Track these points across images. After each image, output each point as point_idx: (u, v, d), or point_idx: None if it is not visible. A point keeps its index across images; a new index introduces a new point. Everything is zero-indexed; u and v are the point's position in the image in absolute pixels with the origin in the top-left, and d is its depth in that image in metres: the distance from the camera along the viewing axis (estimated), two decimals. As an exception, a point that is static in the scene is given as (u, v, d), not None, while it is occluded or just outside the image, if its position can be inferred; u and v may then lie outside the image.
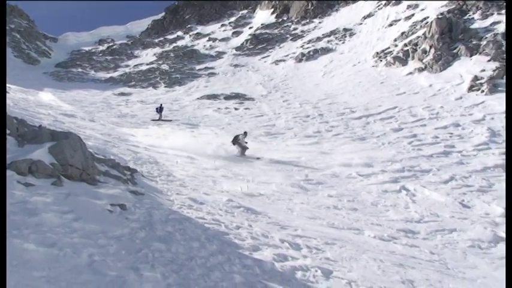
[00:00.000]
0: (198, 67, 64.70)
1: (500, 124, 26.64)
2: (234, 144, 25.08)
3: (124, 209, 9.30)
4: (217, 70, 60.12)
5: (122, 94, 54.59)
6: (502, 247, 13.12)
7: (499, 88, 31.95)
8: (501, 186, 18.77)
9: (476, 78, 33.99)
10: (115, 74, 71.77)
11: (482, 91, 32.14)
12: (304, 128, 30.04)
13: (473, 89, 32.94)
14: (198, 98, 45.63)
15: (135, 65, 76.92)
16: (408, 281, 9.10)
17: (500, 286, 10.08)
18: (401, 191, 18.33)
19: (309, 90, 42.70)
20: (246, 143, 25.21)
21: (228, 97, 44.29)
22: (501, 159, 21.59)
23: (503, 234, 14.00)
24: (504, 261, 12.15)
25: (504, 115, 27.98)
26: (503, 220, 15.40)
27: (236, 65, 60.18)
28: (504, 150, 22.92)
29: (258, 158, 23.63)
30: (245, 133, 25.94)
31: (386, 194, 18.11)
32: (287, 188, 18.17)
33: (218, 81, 54.15)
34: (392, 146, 25.03)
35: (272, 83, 48.68)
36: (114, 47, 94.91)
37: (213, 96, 45.26)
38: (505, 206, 9.18)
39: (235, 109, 38.37)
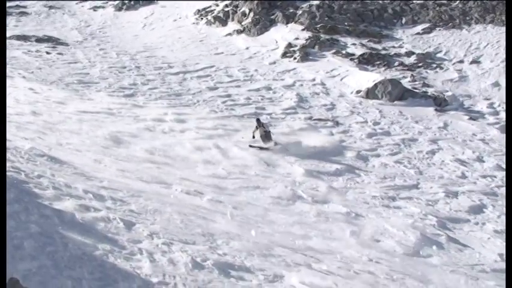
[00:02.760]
0: (8, 4, 59.85)
1: (308, 91, 28.17)
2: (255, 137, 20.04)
3: None
4: (30, 10, 55.97)
5: None
6: (299, 205, 14.02)
7: (310, 57, 33.63)
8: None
9: (290, 45, 35.44)
10: None
11: (295, 58, 33.63)
12: (120, 80, 29.24)
13: (287, 55, 34.34)
14: (6, 38, 42.37)
15: None
16: (209, 234, 9.37)
17: (293, 240, 10.78)
18: (212, 148, 18.70)
19: (127, 41, 41.52)
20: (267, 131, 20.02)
21: (40, 40, 41.43)
22: (306, 124, 22.94)
23: (302, 194, 14.96)
24: (301, 217, 13.00)
25: (312, 83, 29.63)
26: (303, 179, 16.47)
27: (51, 7, 56.50)
28: (309, 115, 24.38)
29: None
30: (257, 120, 20.67)
31: (198, 150, 18.36)
32: (97, 139, 17.67)
33: (30, 22, 50.47)
34: (207, 104, 25.35)
35: (89, 30, 46.53)
36: None
37: (23, 38, 42.08)
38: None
39: (47, 53, 36.12)
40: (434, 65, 31.26)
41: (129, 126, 20.14)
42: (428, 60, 31.91)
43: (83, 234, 7.47)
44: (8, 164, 10.41)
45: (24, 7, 55.89)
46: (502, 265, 11.51)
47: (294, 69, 31.92)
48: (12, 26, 47.43)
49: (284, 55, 34.45)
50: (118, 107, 23.13)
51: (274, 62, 33.54)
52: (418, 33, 35.69)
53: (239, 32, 40.53)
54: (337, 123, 23.37)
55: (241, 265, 7.99)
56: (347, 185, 16.57)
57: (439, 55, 32.48)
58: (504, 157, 19.95)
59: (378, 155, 19.91)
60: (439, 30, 35.42)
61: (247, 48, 36.91)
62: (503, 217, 14.79)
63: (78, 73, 29.99)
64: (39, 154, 12.96)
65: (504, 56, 29.66)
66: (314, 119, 23.77)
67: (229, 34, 40.68)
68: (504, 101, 26.17)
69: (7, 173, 9.59)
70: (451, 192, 16.74)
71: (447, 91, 27.86)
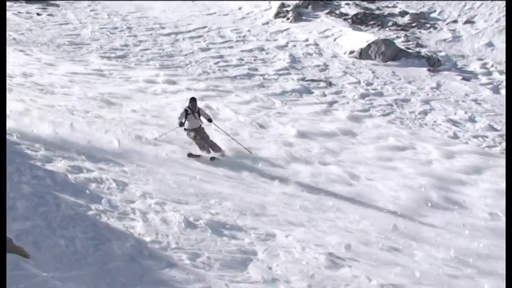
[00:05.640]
0: (-4, -36, 58.72)
1: (301, 51, 28.01)
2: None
3: None
4: (19, -30, 55.18)
5: None
6: (293, 165, 14.00)
7: (303, 17, 33.35)
8: (297, 109, 19.97)
9: (283, 5, 35.07)
10: None
11: (288, 18, 33.35)
12: (111, 41, 28.93)
13: (280, 15, 34.04)
14: (-6, -1, 41.72)
15: None
16: (201, 194, 9.41)
17: (286, 199, 10.85)
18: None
19: (118, 2, 41.06)
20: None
21: (29, 0, 41.00)
22: (298, 85, 22.89)
23: (295, 154, 14.97)
24: (295, 177, 12.99)
25: (305, 43, 29.44)
26: (296, 140, 16.47)
27: (40, -33, 55.70)
28: (302, 76, 24.29)
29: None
30: (192, 99, 14.44)
31: (190, 111, 18.27)
32: (89, 101, 17.55)
33: (19, -17, 49.80)
34: (199, 65, 25.21)
35: (79, -10, 45.96)
36: None
37: (13, -2, 41.66)
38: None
39: (38, 14, 35.58)
40: (428, 25, 31.08)
41: (121, 88, 20.03)
42: (422, 20, 31.70)
43: (75, 195, 7.50)
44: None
45: (13, -33, 54.80)
46: (494, 223, 11.65)
47: (287, 29, 31.66)
48: (1, -13, 46.53)
49: (277, 15, 34.13)
50: (110, 68, 22.97)
51: (267, 23, 33.26)
52: (412, -7, 35.38)
53: (231, -9, 40.05)
54: (330, 84, 23.32)
55: (233, 224, 8.05)
56: (340, 145, 16.60)
57: (432, 15, 32.26)
58: (496, 117, 20.14)
59: (371, 116, 19.95)
60: (433, -11, 35.12)
61: (239, 8, 36.50)
62: (496, 177, 14.89)
63: (69, 34, 29.67)
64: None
65: (497, 16, 29.62)
66: (307, 80, 23.70)
67: (221, -6, 40.16)
68: (497, 61, 26.19)
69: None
70: (444, 152, 16.81)
71: (440, 51, 27.77)
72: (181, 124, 13.98)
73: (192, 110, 14.15)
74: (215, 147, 13.87)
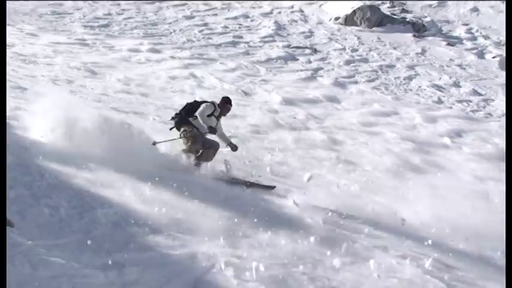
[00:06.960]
0: None
1: (286, 18, 27.85)
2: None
3: None
4: None
5: None
6: (278, 132, 13.99)
7: (289, -17, 33.18)
8: (282, 76, 19.95)
9: (267, -29, 34.83)
10: None
11: (272, -15, 33.14)
12: (94, 10, 28.51)
13: (264, -18, 33.81)
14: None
15: None
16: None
17: (274, 166, 10.89)
18: (190, 77, 18.55)
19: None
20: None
21: (9, -30, 40.29)
22: (284, 52, 22.80)
23: (280, 121, 14.95)
24: (280, 144, 13.02)
25: (290, 10, 29.23)
26: (281, 107, 16.48)
27: None
28: (287, 43, 24.18)
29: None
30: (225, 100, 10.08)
31: (174, 79, 18.18)
32: (71, 70, 17.38)
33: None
34: (183, 33, 24.99)
35: (60, -42, 45.12)
36: None
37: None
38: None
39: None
40: (414, -10, 31.01)
41: (105, 57, 19.85)
42: (407, -15, 31.60)
43: (60, 165, 7.47)
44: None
45: None
46: (477, 187, 11.73)
47: (272, -4, 31.38)
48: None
49: (262, -18, 33.78)
50: (93, 37, 22.72)
51: (251, -10, 32.90)
52: (397, -42, 35.14)
53: (215, -42, 39.48)
54: (315, 51, 23.26)
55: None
56: (325, 111, 16.63)
57: (418, -20, 32.14)
58: (480, 82, 20.25)
59: (356, 82, 20.00)
60: (419, -46, 34.89)
61: (224, -25, 36.06)
62: (479, 141, 15.07)
63: (52, 4, 29.14)
64: (14, 86, 12.81)
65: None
66: (292, 47, 23.61)
67: (206, -39, 39.60)
68: (482, 26, 26.26)
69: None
70: (428, 117, 16.90)
71: (426, 17, 27.77)
72: (213, 130, 9.46)
73: (221, 113, 9.93)
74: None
